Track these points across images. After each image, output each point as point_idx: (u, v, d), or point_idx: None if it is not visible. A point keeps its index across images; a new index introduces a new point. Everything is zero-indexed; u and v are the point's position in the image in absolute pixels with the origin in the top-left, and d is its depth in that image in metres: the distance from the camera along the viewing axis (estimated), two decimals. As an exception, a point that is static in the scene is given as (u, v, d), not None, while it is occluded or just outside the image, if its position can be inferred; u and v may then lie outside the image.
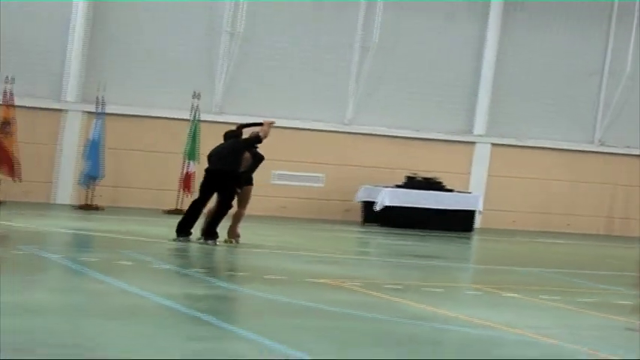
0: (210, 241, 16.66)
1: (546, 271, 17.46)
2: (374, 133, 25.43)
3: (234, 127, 17.51)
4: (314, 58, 25.02)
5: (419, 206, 24.18)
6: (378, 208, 24.00)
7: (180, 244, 16.60)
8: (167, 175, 23.43)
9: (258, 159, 17.38)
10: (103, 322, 9.57)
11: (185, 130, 22.89)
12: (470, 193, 25.52)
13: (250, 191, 17.26)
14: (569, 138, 27.07)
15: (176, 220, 17.44)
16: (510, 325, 10.81)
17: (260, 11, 24.47)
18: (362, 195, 24.70)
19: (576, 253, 22.51)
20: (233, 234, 17.19)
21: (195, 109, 22.97)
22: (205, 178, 17.13)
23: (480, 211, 24.91)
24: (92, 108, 22.93)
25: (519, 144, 26.65)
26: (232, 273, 14.68)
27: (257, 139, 16.99)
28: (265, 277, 13.49)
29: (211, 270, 14.92)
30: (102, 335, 8.95)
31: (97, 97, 22.77)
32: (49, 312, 9.97)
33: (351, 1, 25.14)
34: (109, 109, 22.94)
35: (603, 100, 27.15)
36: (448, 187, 24.81)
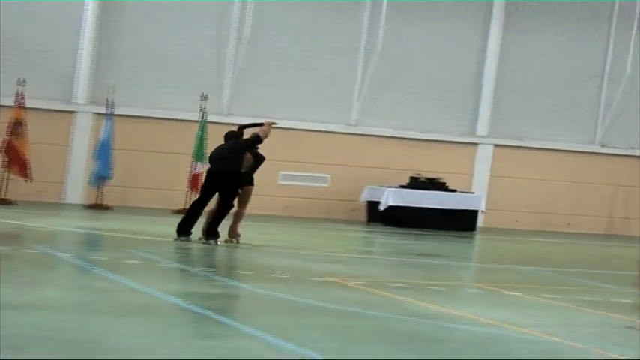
0: (211, 241, 16.63)
1: (547, 270, 17.48)
2: (379, 134, 25.49)
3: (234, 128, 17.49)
4: (320, 60, 25.08)
5: (422, 206, 24.26)
6: (382, 208, 24.10)
7: (187, 244, 16.54)
8: (175, 175, 23.49)
9: (259, 159, 17.31)
10: (111, 319, 9.61)
11: (193, 132, 22.92)
12: (472, 193, 25.56)
13: (251, 191, 17.19)
14: (570, 139, 27.08)
15: (184, 220, 17.47)
16: (512, 323, 10.84)
17: (267, 14, 24.53)
18: (366, 195, 24.79)
19: (577, 253, 22.50)
20: (233, 233, 17.14)
21: (203, 111, 23.03)
22: (206, 179, 17.13)
23: (482, 211, 24.97)
24: (102, 110, 23.01)
25: (521, 145, 26.69)
26: (239, 271, 14.70)
27: (257, 139, 16.87)
28: (272, 275, 13.52)
29: (218, 269, 14.96)
30: (110, 332, 9.00)
31: (107, 99, 22.88)
32: (59, 309, 10.02)
33: (357, 1, 25.23)
34: (118, 111, 23.06)
35: (604, 101, 27.16)
36: (451, 188, 24.87)
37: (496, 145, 26.59)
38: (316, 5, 25.01)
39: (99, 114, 23.31)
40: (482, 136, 26.50)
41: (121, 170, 23.20)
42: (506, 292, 13.67)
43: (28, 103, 22.01)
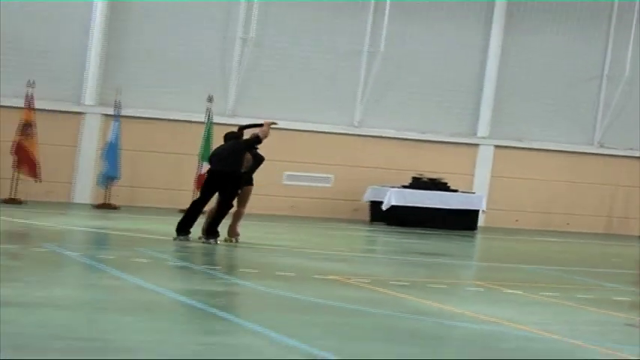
0: (211, 240, 16.63)
1: (547, 268, 17.53)
2: (381, 135, 25.51)
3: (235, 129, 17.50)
4: (323, 62, 25.12)
5: (424, 206, 24.32)
6: (385, 207, 24.17)
7: (192, 243, 16.52)
8: (182, 175, 23.54)
9: (259, 160, 17.28)
10: (119, 317, 9.66)
11: (199, 133, 22.95)
12: (474, 193, 25.61)
13: (250, 191, 17.16)
14: (569, 140, 27.07)
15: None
16: (513, 321, 10.92)
17: (272, 17, 24.61)
18: (369, 195, 24.85)
19: (576, 251, 22.51)
20: (233, 233, 17.13)
21: (209, 112, 23.08)
22: (207, 179, 17.14)
23: (483, 211, 25.04)
24: (110, 111, 23.10)
25: (521, 146, 26.71)
26: (244, 270, 14.66)
27: (257, 140, 16.82)
28: (276, 273, 13.59)
29: (224, 267, 15.02)
30: (117, 330, 9.06)
31: (115, 101, 23.00)
32: (66, 307, 10.07)
33: (361, 1, 25.31)
34: (126, 112, 23.19)
35: (603, 101, 27.15)
36: (453, 188, 24.94)
37: (497, 146, 26.59)
38: (317, 7, 24.98)
39: (107, 115, 23.39)
40: (483, 137, 26.52)
41: (129, 170, 23.30)
42: (507, 291, 13.72)
43: (37, 105, 22.09)
